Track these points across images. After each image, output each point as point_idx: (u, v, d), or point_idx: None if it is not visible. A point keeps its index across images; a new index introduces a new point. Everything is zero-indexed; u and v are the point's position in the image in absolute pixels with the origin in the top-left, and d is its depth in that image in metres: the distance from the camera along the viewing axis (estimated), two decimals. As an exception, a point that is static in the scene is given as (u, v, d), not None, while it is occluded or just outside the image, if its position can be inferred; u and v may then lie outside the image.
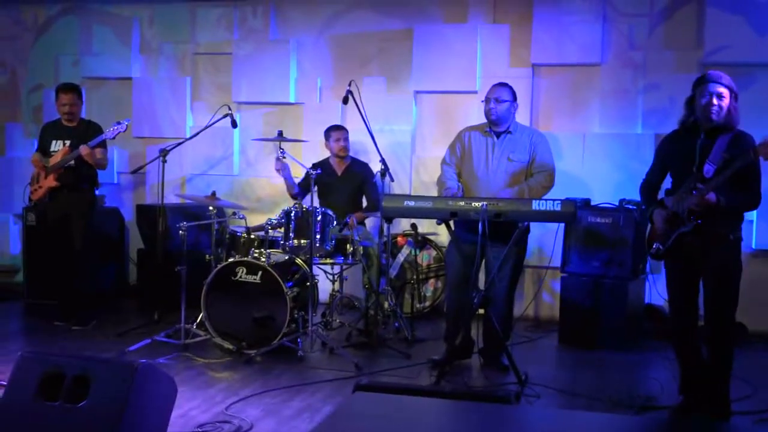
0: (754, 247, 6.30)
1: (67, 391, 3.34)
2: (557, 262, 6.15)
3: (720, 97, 4.06)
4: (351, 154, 6.64)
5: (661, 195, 4.48)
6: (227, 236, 5.89)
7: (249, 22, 7.57)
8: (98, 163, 6.12)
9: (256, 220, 6.52)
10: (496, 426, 2.23)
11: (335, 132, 6.51)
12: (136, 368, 3.35)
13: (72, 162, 6.05)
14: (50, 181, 6.10)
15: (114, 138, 6.09)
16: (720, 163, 4.05)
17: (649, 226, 4.45)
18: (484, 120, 5.39)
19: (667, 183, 4.47)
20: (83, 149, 5.91)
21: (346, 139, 6.52)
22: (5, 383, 3.54)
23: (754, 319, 6.01)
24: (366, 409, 2.37)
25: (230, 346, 5.45)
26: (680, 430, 2.81)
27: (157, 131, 7.71)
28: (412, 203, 4.94)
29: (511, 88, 5.26)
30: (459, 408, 2.45)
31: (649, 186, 4.51)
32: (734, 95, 4.10)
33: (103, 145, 6.15)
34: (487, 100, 5.21)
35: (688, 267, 4.29)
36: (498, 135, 5.22)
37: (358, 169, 6.58)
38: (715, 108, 4.07)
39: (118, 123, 5.99)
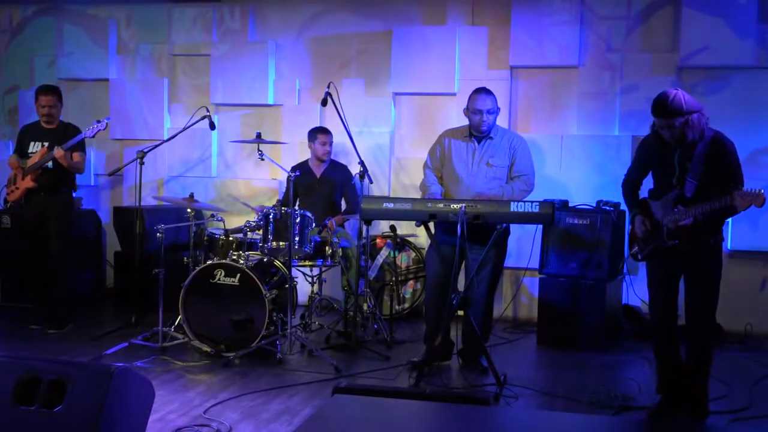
0: (729, 248, 6.36)
1: (43, 396, 3.30)
2: (535, 263, 6.18)
3: (676, 127, 4.01)
4: (331, 156, 6.64)
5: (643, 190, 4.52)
6: (205, 238, 5.86)
7: (227, 24, 7.55)
8: (74, 166, 6.06)
9: (234, 222, 6.50)
10: (475, 428, 2.23)
11: (321, 135, 6.50)
12: (112, 372, 3.32)
13: (50, 164, 6.00)
14: (27, 182, 6.04)
15: (93, 137, 6.04)
16: (700, 177, 4.07)
17: (631, 227, 4.49)
18: (463, 122, 5.40)
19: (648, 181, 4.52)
20: (57, 152, 5.86)
21: (331, 143, 6.53)
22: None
23: (729, 320, 6.07)
24: (345, 412, 2.36)
25: (208, 349, 5.42)
26: (658, 430, 2.83)
27: (134, 133, 7.66)
28: (391, 205, 4.94)
29: (494, 95, 5.25)
30: (438, 410, 2.45)
31: (631, 184, 4.53)
32: (693, 113, 3.98)
33: (81, 148, 6.10)
34: (475, 112, 5.16)
35: (668, 268, 4.32)
36: (479, 140, 5.23)
37: (337, 171, 6.57)
38: (676, 138, 4.06)
39: (98, 122, 5.96)
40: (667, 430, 2.71)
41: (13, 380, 3.36)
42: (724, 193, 3.95)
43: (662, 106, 4.01)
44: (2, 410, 3.32)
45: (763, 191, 3.88)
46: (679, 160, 4.15)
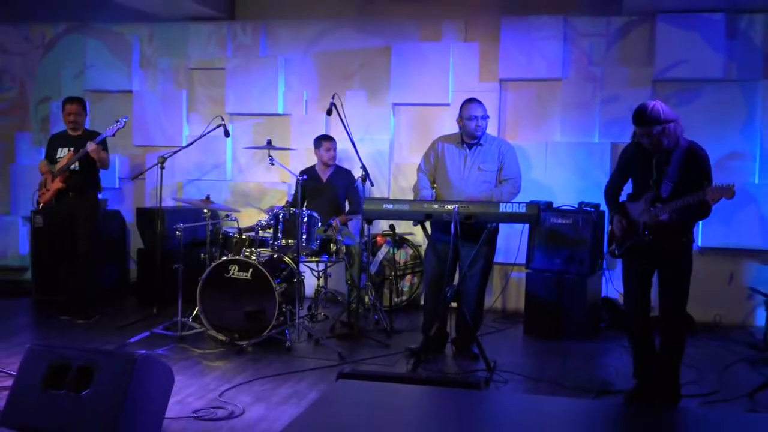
0: (700, 245, 6.36)
1: (73, 381, 3.32)
2: (522, 259, 6.18)
3: (653, 135, 4.01)
4: (336, 161, 6.64)
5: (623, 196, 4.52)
6: (220, 236, 5.86)
7: (240, 40, 7.54)
8: (103, 159, 6.07)
9: (247, 221, 6.50)
10: (467, 411, 2.24)
11: (326, 142, 6.50)
12: (136, 359, 3.34)
13: (77, 166, 6.01)
14: (57, 184, 6.05)
15: (114, 135, 6.01)
16: (676, 180, 4.09)
17: (610, 226, 4.49)
18: (456, 130, 5.40)
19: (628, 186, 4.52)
20: (90, 145, 5.88)
21: (335, 149, 6.53)
22: (15, 373, 3.51)
23: (699, 311, 6.07)
24: (348, 396, 2.36)
25: (223, 338, 5.42)
26: (634, 413, 2.83)
27: (155, 140, 7.65)
28: (390, 206, 4.94)
29: (483, 104, 5.26)
30: (433, 394, 2.45)
31: (612, 190, 4.53)
32: (669, 122, 3.99)
33: (104, 147, 6.12)
34: (470, 118, 5.15)
35: (642, 264, 4.32)
36: (470, 146, 5.23)
37: (341, 175, 6.57)
38: (654, 144, 4.06)
39: (117, 121, 5.97)
40: (642, 413, 2.71)
41: (44, 366, 3.38)
42: (697, 190, 3.97)
43: (641, 116, 4.03)
44: (35, 393, 3.33)
45: (733, 185, 3.89)
46: (657, 165, 4.16)
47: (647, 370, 4.37)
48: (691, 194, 4.00)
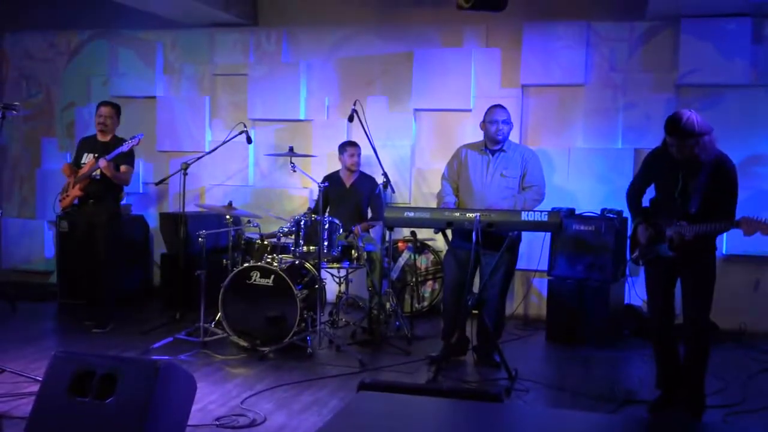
0: (725, 252, 6.29)
1: (97, 388, 3.33)
2: (545, 265, 6.14)
3: (686, 147, 3.94)
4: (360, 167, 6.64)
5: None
6: (243, 242, 5.89)
7: (263, 46, 7.57)
8: (118, 177, 5.97)
9: (269, 227, 6.52)
10: (489, 424, 2.22)
11: (350, 148, 6.51)
12: (159, 367, 3.35)
13: (98, 175, 5.97)
14: (76, 191, 6.01)
15: (128, 150, 5.95)
16: (702, 196, 4.02)
17: (633, 233, 4.44)
18: (478, 137, 5.38)
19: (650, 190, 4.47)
20: (101, 162, 5.82)
21: (359, 154, 6.52)
22: (41, 379, 3.54)
23: (725, 319, 5.98)
24: (369, 407, 2.36)
25: (245, 344, 5.44)
26: (659, 425, 2.80)
27: (178, 146, 7.71)
28: (411, 214, 4.92)
29: (508, 110, 5.25)
30: (454, 407, 2.44)
31: (635, 192, 4.47)
32: (704, 135, 3.91)
33: (128, 162, 6.06)
34: (491, 122, 5.15)
35: (666, 272, 4.27)
36: (493, 153, 5.21)
37: (365, 182, 6.56)
38: (685, 156, 3.99)
39: (133, 138, 5.88)
40: (666, 425, 2.67)
41: (69, 373, 3.40)
42: (727, 217, 3.93)
43: (675, 126, 3.93)
44: (60, 400, 3.36)
45: None
46: (684, 176, 4.09)
47: (671, 380, 4.32)
48: (722, 222, 3.94)
